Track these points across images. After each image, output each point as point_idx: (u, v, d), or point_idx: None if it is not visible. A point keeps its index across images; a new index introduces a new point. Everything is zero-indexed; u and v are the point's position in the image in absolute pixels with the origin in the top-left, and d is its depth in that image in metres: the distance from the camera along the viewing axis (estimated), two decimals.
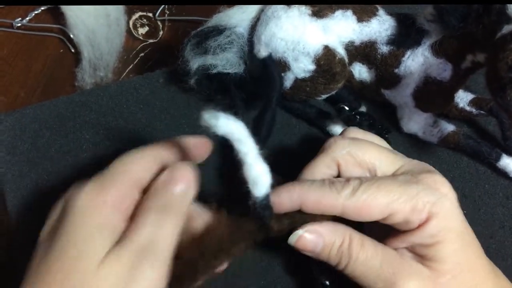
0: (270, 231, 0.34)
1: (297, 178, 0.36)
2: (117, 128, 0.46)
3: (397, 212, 0.31)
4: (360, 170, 0.34)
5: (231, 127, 0.29)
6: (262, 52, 0.41)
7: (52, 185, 0.44)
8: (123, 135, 0.46)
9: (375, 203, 0.31)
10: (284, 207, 0.33)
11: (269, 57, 0.42)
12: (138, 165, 0.32)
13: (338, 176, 0.35)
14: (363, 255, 0.32)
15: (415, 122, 0.44)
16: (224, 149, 0.34)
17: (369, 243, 0.33)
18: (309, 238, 0.33)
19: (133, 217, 0.31)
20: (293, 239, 0.33)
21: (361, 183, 0.32)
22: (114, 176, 0.31)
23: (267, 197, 0.32)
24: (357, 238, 0.33)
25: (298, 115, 0.46)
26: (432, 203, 0.32)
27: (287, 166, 0.44)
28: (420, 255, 0.32)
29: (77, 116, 0.46)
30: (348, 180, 0.33)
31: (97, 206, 0.30)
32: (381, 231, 0.34)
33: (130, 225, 0.30)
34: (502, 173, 0.44)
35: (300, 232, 0.33)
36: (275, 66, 0.41)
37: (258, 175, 0.31)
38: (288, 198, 0.33)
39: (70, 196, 0.31)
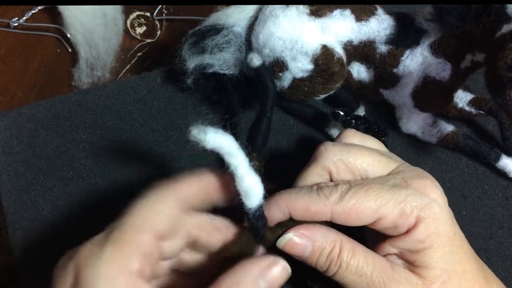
0: (265, 241, 0.34)
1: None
2: (114, 128, 0.46)
3: (386, 217, 0.31)
4: (352, 176, 0.34)
5: (220, 141, 0.29)
6: (255, 61, 0.41)
7: (48, 186, 0.43)
8: (120, 135, 0.46)
9: (363, 207, 0.31)
10: (275, 219, 0.33)
11: (263, 65, 0.41)
12: (160, 215, 0.30)
13: None
14: (354, 264, 0.32)
15: (414, 122, 0.44)
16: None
17: (360, 251, 0.32)
18: (298, 242, 0.33)
19: None
20: (281, 242, 0.33)
21: (350, 187, 0.32)
22: (135, 235, 0.29)
23: (260, 208, 0.32)
24: (348, 245, 0.32)
25: (296, 115, 0.46)
26: (420, 207, 0.32)
27: (285, 167, 0.44)
28: (409, 261, 0.32)
29: (73, 116, 0.46)
30: (336, 185, 0.33)
31: (123, 277, 0.27)
32: (373, 236, 0.34)
33: None
34: (501, 173, 0.44)
35: (289, 235, 0.33)
36: (269, 74, 0.41)
37: (250, 187, 0.31)
38: (277, 209, 0.33)
39: (84, 261, 0.28)
